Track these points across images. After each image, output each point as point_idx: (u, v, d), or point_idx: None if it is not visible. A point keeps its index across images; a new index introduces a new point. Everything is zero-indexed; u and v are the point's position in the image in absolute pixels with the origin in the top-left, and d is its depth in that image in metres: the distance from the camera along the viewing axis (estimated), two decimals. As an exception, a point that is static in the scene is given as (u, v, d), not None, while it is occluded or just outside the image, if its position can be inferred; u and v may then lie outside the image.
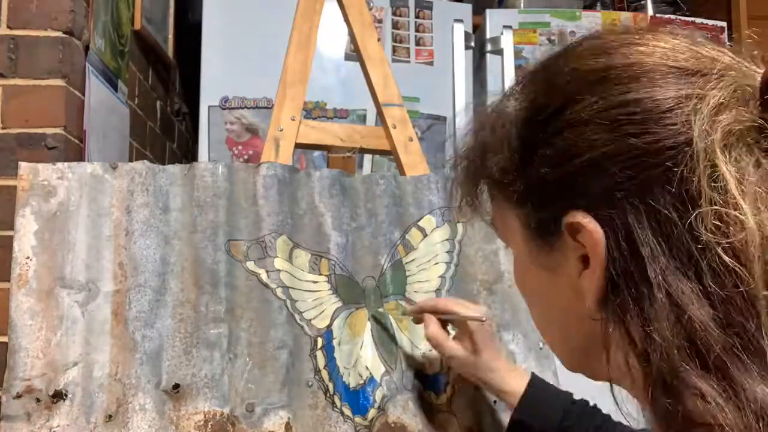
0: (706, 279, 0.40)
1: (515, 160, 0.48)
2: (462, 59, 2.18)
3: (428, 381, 1.02)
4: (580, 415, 0.89)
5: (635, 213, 0.42)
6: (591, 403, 0.91)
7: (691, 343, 0.39)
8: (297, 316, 0.99)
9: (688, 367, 0.39)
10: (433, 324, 0.95)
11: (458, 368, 0.96)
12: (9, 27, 1.34)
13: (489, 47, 2.23)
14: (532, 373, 0.93)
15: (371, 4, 2.18)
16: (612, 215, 0.42)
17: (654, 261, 0.41)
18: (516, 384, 0.91)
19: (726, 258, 0.39)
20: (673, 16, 2.42)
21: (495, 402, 1.04)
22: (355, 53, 1.22)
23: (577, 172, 0.44)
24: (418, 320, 1.00)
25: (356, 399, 0.98)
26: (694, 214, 0.39)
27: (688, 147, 0.40)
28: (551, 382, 1.06)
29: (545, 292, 0.51)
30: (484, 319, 0.92)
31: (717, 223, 0.39)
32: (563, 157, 0.44)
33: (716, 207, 0.39)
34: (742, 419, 0.37)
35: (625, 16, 2.35)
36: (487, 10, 2.32)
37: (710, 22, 2.34)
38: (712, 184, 0.39)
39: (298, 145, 1.11)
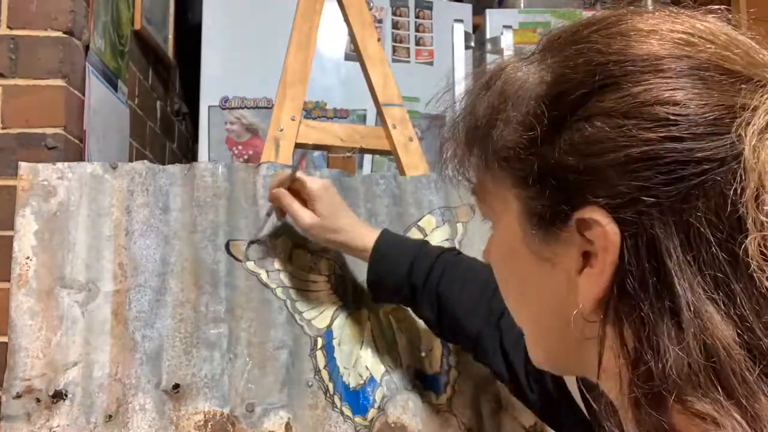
0: (742, 304, 0.37)
1: (531, 139, 0.43)
2: (462, 59, 2.18)
3: (428, 381, 1.02)
4: (432, 263, 0.90)
5: (664, 222, 0.38)
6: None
7: (712, 366, 0.37)
8: (297, 316, 0.99)
9: (702, 388, 0.37)
10: (286, 195, 0.97)
11: (320, 239, 0.97)
12: (9, 27, 1.34)
13: (489, 47, 2.23)
14: (383, 229, 0.96)
15: (371, 4, 2.18)
16: (635, 220, 0.39)
17: (683, 277, 0.38)
18: (371, 242, 0.93)
19: None
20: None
21: (495, 402, 1.04)
22: (355, 53, 1.22)
23: (605, 167, 0.40)
24: (281, 213, 1.01)
25: (356, 399, 0.98)
26: (741, 237, 0.37)
27: (735, 163, 0.37)
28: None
29: (531, 280, 0.47)
30: (294, 168, 0.97)
31: (762, 249, 0.36)
32: (593, 147, 0.40)
33: (765, 233, 0.36)
34: None
35: (625, 16, 2.35)
36: (487, 10, 2.32)
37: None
38: (760, 206, 0.36)
39: (298, 145, 1.11)
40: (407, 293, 0.92)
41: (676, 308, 0.38)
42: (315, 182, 0.96)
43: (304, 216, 0.95)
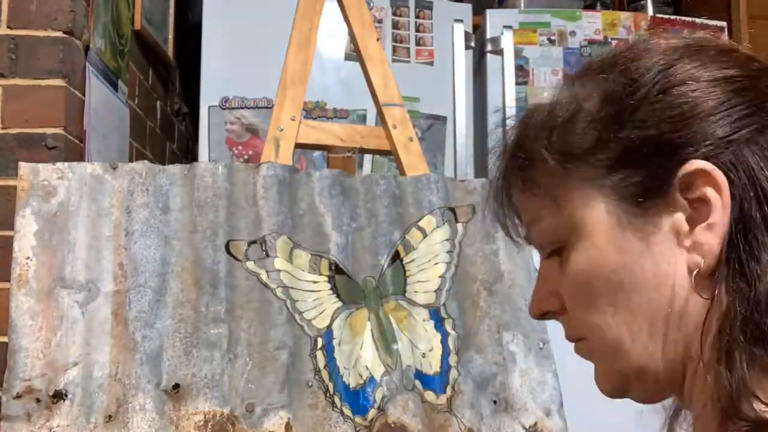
0: None
1: (611, 124, 0.47)
2: (462, 59, 2.18)
3: (428, 381, 1.02)
4: None
5: (755, 154, 0.44)
6: None
7: None
8: (297, 316, 0.99)
9: None
10: None
11: None
12: (9, 27, 1.34)
13: (489, 47, 2.23)
14: None
15: (371, 4, 2.18)
16: (732, 160, 0.44)
17: None
18: None
19: None
20: (673, 17, 2.42)
21: (495, 402, 1.04)
22: (355, 53, 1.22)
23: (693, 122, 0.44)
24: None
25: (356, 399, 0.98)
26: None
27: None
28: (552, 383, 1.06)
29: (630, 270, 0.47)
30: None
31: None
32: (676, 110, 0.45)
33: None
34: None
35: (625, 16, 2.35)
36: (487, 10, 2.32)
37: (710, 22, 2.34)
38: None
39: (298, 145, 1.11)
40: None
41: None
42: None
43: None
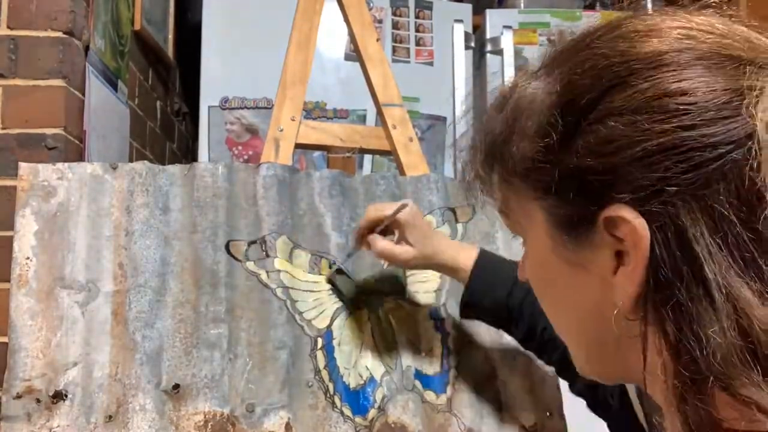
0: (767, 279, 0.38)
1: (548, 147, 0.44)
2: (462, 59, 2.18)
3: (428, 381, 1.02)
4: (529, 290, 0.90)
5: (688, 210, 0.39)
6: None
7: (749, 347, 0.37)
8: (297, 317, 0.99)
9: (743, 371, 0.37)
10: (378, 240, 0.95)
11: (420, 265, 0.97)
12: (9, 27, 1.34)
13: (489, 47, 2.23)
14: (480, 249, 0.95)
15: (371, 4, 2.18)
16: (661, 211, 0.40)
17: (712, 260, 0.38)
18: (467, 261, 0.93)
19: None
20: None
21: (495, 402, 1.04)
22: (355, 53, 1.22)
23: (624, 164, 0.41)
24: (360, 243, 0.99)
25: (356, 399, 0.98)
26: (761, 212, 0.37)
27: (749, 141, 0.38)
28: (551, 383, 1.06)
29: (566, 289, 0.47)
30: (406, 203, 0.94)
31: None
32: (609, 146, 0.41)
33: None
34: None
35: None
36: (487, 10, 2.32)
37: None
38: None
39: (298, 145, 1.11)
40: (504, 315, 0.93)
41: (709, 293, 0.38)
42: (404, 212, 0.95)
43: (401, 253, 0.94)
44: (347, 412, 0.97)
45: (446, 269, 0.96)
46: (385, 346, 1.03)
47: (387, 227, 0.96)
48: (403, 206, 0.94)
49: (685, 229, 0.39)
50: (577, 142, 0.42)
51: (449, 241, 0.96)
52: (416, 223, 0.95)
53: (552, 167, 0.44)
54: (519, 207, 0.49)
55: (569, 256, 0.45)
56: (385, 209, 0.95)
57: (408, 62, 2.22)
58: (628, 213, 0.40)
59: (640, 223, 0.40)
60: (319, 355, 0.99)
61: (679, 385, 0.39)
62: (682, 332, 0.39)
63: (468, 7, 2.35)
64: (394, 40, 2.23)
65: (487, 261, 0.94)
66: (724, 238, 0.38)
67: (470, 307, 0.95)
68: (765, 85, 0.39)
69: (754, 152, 0.38)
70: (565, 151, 0.43)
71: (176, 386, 0.92)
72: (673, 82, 0.40)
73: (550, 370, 1.07)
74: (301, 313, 1.00)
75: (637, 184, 0.40)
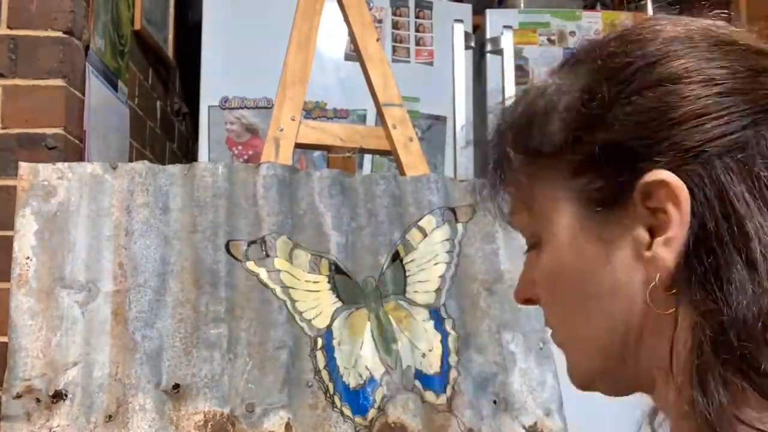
0: None
1: (580, 125, 0.45)
2: (462, 59, 2.18)
3: (428, 381, 1.02)
4: None
5: (727, 170, 0.40)
6: None
7: None
8: (297, 316, 0.99)
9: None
10: None
11: None
12: (9, 27, 1.34)
13: (489, 47, 2.23)
14: None
15: (371, 4, 2.18)
16: (700, 173, 0.41)
17: (751, 217, 0.39)
18: None
19: None
20: (672, 17, 2.42)
21: (495, 402, 1.04)
22: (355, 53, 1.22)
23: (663, 129, 0.42)
24: None
25: (356, 399, 0.98)
26: None
27: None
28: (552, 383, 1.06)
29: (591, 276, 0.46)
30: None
31: None
32: (647, 114, 0.42)
33: None
34: None
35: (625, 16, 2.35)
36: (487, 10, 2.32)
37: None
38: None
39: (298, 145, 1.11)
40: None
41: (750, 251, 0.39)
42: None
43: None
44: (347, 412, 0.97)
45: None
46: (385, 346, 1.03)
47: None
48: None
49: (725, 188, 0.40)
50: (611, 115, 0.44)
51: None
52: None
53: (584, 145, 0.44)
54: (542, 195, 0.48)
55: (599, 234, 0.45)
56: None
57: (408, 62, 2.22)
58: (667, 176, 0.41)
59: (680, 185, 0.41)
60: (319, 355, 0.99)
61: (703, 367, 0.39)
62: (716, 300, 0.39)
63: (468, 7, 2.35)
64: (394, 40, 2.23)
65: None
66: (762, 197, 0.40)
67: None
68: None
69: None
70: (599, 127, 0.44)
71: (176, 386, 0.92)
72: (706, 57, 0.43)
73: (550, 372, 1.07)
74: (301, 313, 1.00)
75: (677, 148, 0.41)
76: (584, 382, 0.50)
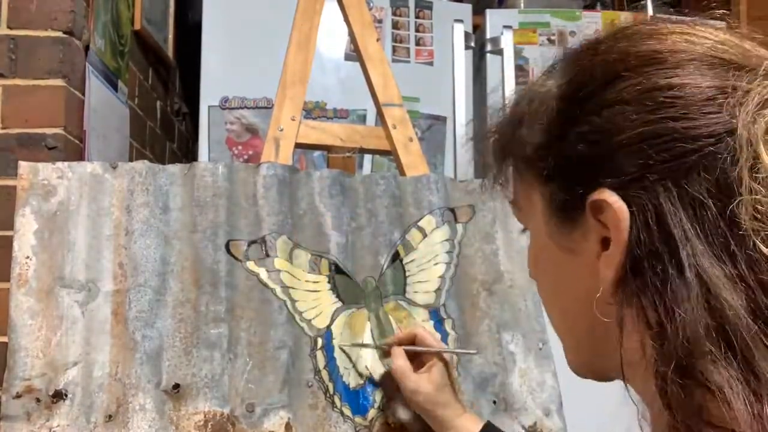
0: (740, 265, 0.40)
1: (549, 135, 0.48)
2: (462, 59, 2.18)
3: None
4: None
5: (668, 196, 0.41)
6: None
7: (719, 326, 0.39)
8: (297, 316, 0.99)
9: (711, 351, 0.39)
10: (401, 357, 0.94)
11: (420, 402, 0.92)
12: (9, 27, 1.34)
13: (489, 47, 2.23)
14: (487, 421, 0.92)
15: (371, 4, 2.18)
16: (642, 196, 0.42)
17: (687, 243, 0.40)
18: (468, 427, 0.90)
19: (764, 247, 0.39)
20: (673, 17, 2.42)
21: (494, 402, 1.04)
22: (355, 53, 1.22)
23: (611, 151, 0.44)
24: (386, 353, 0.98)
25: (356, 399, 0.98)
26: (735, 202, 0.40)
27: (729, 137, 0.40)
28: (551, 383, 1.06)
29: (560, 275, 0.50)
30: (477, 352, 0.94)
31: (754, 213, 0.39)
32: (600, 134, 0.44)
33: (757, 196, 0.39)
34: (760, 408, 0.37)
35: (625, 16, 2.35)
36: (487, 10, 2.32)
37: (710, 22, 2.35)
38: (754, 174, 0.39)
39: (298, 145, 1.11)
40: None
41: (683, 274, 0.40)
42: (447, 356, 0.94)
43: (414, 381, 0.92)
44: (347, 411, 0.97)
45: (443, 425, 0.91)
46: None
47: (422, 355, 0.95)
48: (475, 353, 0.95)
49: (663, 213, 0.41)
50: (574, 131, 0.46)
51: (461, 406, 0.93)
52: (450, 370, 0.95)
53: (551, 155, 0.47)
54: (525, 196, 0.52)
55: (561, 241, 0.48)
56: (433, 340, 0.96)
57: (408, 62, 2.22)
58: (610, 196, 0.43)
59: (619, 206, 0.42)
60: (319, 355, 0.99)
61: (660, 371, 0.41)
62: (658, 313, 0.41)
63: (468, 7, 2.35)
64: (394, 40, 2.23)
65: None
66: (701, 224, 0.41)
67: None
68: (752, 88, 0.41)
69: (731, 148, 0.40)
70: (563, 140, 0.46)
71: (176, 386, 0.92)
72: (664, 77, 0.43)
73: (550, 371, 1.07)
74: (301, 313, 1.00)
75: (621, 170, 0.43)
76: (575, 369, 0.53)
